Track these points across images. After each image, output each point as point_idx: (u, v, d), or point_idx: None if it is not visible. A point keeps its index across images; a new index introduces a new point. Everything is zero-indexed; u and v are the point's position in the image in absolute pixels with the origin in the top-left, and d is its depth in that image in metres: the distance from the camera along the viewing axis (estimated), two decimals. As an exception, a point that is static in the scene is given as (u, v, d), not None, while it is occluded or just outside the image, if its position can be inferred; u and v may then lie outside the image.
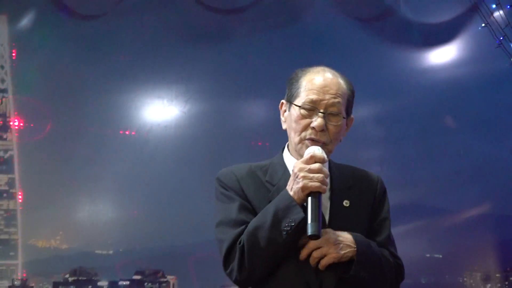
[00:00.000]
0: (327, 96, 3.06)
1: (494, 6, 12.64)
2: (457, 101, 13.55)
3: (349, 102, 3.14)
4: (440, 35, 13.36)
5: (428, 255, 14.17)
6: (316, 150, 2.98)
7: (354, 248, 2.97)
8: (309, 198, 2.89)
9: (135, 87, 13.49)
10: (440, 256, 14.20)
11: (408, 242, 13.05)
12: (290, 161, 3.12)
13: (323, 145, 3.04)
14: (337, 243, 2.95)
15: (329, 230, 2.98)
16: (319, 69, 3.14)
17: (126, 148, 13.42)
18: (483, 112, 13.69)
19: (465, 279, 13.96)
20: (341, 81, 3.12)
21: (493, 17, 12.71)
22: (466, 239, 13.79)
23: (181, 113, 13.47)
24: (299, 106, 3.08)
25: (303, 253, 2.95)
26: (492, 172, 13.78)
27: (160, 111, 13.53)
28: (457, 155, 13.86)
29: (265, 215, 2.95)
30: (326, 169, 2.96)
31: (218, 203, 3.13)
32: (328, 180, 3.05)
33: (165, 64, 13.37)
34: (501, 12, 12.62)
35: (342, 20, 13.25)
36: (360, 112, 12.70)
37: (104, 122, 13.42)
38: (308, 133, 3.06)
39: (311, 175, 2.90)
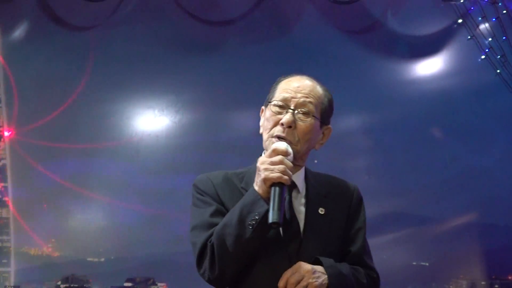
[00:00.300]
0: (299, 95, 3.08)
1: (480, 18, 12.73)
2: (443, 112, 13.59)
3: (325, 109, 3.15)
4: (427, 47, 13.42)
5: (414, 263, 14.10)
6: (280, 144, 2.98)
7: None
8: (271, 189, 2.88)
9: (126, 97, 13.51)
10: (427, 264, 14.15)
11: (395, 250, 13.15)
12: None
13: (290, 144, 3.02)
14: (313, 270, 2.92)
15: (300, 262, 2.94)
16: (300, 75, 3.17)
17: (117, 157, 13.46)
18: (469, 123, 13.72)
19: (451, 287, 13.99)
20: (318, 87, 3.15)
21: (479, 29, 12.78)
22: (452, 247, 13.81)
23: (171, 123, 13.52)
24: (271, 103, 3.12)
25: (281, 284, 2.91)
26: (478, 182, 13.78)
27: (151, 120, 13.55)
28: (443, 165, 13.90)
29: (232, 213, 2.95)
30: (289, 162, 2.92)
31: (194, 209, 3.12)
32: (304, 186, 3.12)
33: (156, 75, 13.39)
34: (487, 24, 12.72)
35: (331, 32, 13.28)
36: (348, 122, 12.87)
37: (95, 131, 13.45)
38: (276, 130, 3.06)
39: (272, 166, 2.88)
